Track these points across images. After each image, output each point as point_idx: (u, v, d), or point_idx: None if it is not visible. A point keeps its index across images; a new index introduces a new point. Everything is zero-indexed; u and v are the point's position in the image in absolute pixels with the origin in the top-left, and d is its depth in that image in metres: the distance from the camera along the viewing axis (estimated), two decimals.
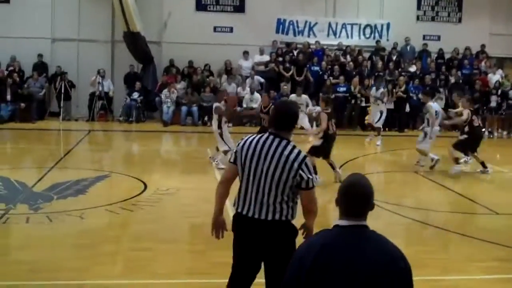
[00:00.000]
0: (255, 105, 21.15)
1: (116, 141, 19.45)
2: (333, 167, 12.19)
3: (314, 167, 11.78)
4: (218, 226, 4.89)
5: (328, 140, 12.01)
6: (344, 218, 3.14)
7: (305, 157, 4.52)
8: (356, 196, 3.14)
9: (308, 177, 4.47)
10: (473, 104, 13.96)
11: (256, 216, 4.56)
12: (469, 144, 13.45)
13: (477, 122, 13.59)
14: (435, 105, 13.98)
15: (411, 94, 21.39)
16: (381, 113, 18.39)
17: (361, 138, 19.15)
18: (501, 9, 24.41)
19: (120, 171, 13.01)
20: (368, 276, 2.96)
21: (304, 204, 4.58)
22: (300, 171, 4.44)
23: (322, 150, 11.97)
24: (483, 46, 23.89)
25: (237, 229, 4.74)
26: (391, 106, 21.00)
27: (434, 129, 13.70)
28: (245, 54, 22.69)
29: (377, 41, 23.85)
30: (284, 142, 4.54)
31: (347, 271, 2.98)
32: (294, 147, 4.54)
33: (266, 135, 4.63)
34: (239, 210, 4.67)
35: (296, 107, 5.00)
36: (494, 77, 22.77)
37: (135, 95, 21.71)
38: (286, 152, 4.48)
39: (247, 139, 4.70)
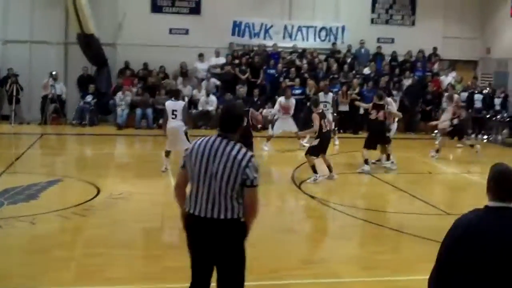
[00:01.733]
0: (210, 108, 21.12)
1: (69, 144, 19.16)
2: (329, 169, 12.85)
3: (314, 167, 12.54)
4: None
5: (323, 139, 12.62)
6: (493, 200, 3.62)
7: (251, 156, 4.69)
8: (505, 182, 3.61)
9: (254, 176, 4.65)
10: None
11: (209, 215, 4.67)
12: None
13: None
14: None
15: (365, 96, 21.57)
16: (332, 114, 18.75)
17: None
18: (454, 12, 24.79)
19: (72, 176, 12.82)
20: (504, 249, 3.44)
21: (247, 202, 4.71)
22: (247, 169, 4.62)
23: (320, 149, 12.61)
24: (435, 48, 24.28)
25: (189, 229, 4.85)
26: (346, 108, 21.21)
27: None
28: (201, 56, 22.60)
29: (333, 44, 23.98)
30: (231, 143, 4.73)
31: (487, 243, 3.49)
32: (241, 147, 4.73)
33: (214, 137, 4.79)
34: (191, 211, 4.77)
35: (241, 109, 5.19)
36: (447, 79, 23.17)
37: (89, 98, 21.37)
38: (234, 152, 4.67)
39: (195, 143, 4.85)
